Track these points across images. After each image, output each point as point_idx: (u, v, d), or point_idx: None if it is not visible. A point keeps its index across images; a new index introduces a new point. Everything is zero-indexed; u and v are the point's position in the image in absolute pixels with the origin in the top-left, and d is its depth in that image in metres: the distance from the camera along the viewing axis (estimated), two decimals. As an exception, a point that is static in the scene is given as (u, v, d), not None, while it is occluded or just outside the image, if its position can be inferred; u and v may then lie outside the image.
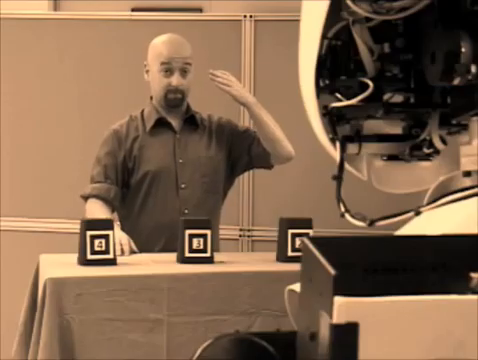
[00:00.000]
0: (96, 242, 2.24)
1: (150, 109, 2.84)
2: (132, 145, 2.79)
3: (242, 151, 2.84)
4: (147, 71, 2.81)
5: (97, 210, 2.70)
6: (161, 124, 2.82)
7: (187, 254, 2.34)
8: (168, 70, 2.73)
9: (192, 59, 2.78)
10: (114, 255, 2.27)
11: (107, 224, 2.29)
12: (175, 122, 2.83)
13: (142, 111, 2.86)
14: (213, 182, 2.81)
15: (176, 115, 2.83)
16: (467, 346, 0.99)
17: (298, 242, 2.37)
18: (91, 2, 4.20)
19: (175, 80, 2.73)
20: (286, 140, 2.80)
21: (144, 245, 2.66)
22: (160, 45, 2.78)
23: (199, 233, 2.35)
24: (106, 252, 2.25)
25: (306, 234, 2.33)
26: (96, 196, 2.73)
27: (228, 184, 2.91)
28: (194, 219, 2.45)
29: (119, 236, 2.50)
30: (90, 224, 2.27)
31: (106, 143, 2.82)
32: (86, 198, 2.76)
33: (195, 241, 2.34)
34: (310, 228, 2.41)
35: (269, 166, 2.88)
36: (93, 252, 2.24)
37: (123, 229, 2.74)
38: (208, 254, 2.35)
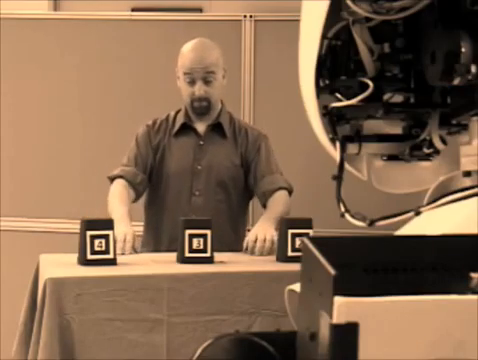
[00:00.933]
0: (96, 242, 2.24)
1: (182, 112, 2.85)
2: (158, 145, 2.82)
3: (257, 187, 2.80)
4: (178, 77, 2.81)
5: (118, 191, 2.72)
6: (187, 128, 2.83)
7: (187, 254, 2.34)
8: (191, 80, 2.74)
9: (216, 66, 2.76)
10: (114, 255, 2.27)
11: (107, 224, 2.29)
12: (201, 128, 2.83)
13: (177, 112, 2.88)
14: (228, 191, 2.80)
15: (204, 121, 2.83)
16: (467, 346, 0.99)
17: (298, 242, 2.37)
18: (91, 2, 4.20)
19: (197, 90, 2.74)
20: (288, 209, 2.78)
21: (153, 242, 2.77)
22: (185, 54, 2.78)
23: (199, 233, 2.35)
24: (106, 252, 2.25)
25: (306, 234, 2.33)
26: (122, 177, 2.76)
27: (248, 194, 2.88)
28: (194, 219, 2.45)
29: (125, 232, 2.49)
30: (90, 224, 2.27)
31: (139, 138, 2.84)
32: (112, 180, 2.78)
33: (195, 241, 2.34)
34: (310, 228, 2.41)
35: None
36: (93, 252, 2.24)
37: (147, 219, 2.85)
38: (208, 254, 2.35)
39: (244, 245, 2.57)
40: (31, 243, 3.75)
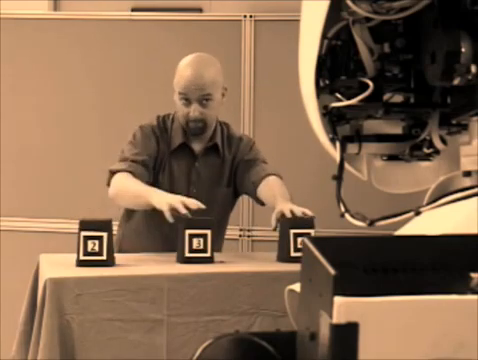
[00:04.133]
0: (89, 243, 2.21)
1: (177, 126, 2.71)
2: (157, 155, 2.68)
3: (245, 180, 2.72)
4: (175, 92, 2.67)
5: (127, 179, 2.54)
6: (184, 146, 2.70)
7: (187, 254, 2.34)
8: (186, 100, 2.60)
9: (213, 86, 2.59)
10: (107, 256, 2.22)
11: (102, 225, 2.24)
12: (198, 147, 2.72)
13: (172, 121, 2.73)
14: (221, 214, 2.74)
15: (200, 140, 2.71)
16: (467, 346, 0.99)
17: (300, 242, 2.37)
18: (91, 2, 4.20)
19: (193, 111, 2.59)
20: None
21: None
22: (180, 71, 2.61)
23: (199, 233, 2.35)
24: (99, 254, 2.21)
25: (308, 234, 2.34)
26: (131, 173, 2.56)
27: (234, 204, 2.84)
28: (194, 219, 2.44)
29: (171, 197, 2.40)
30: (84, 224, 2.23)
31: (145, 137, 2.67)
32: (114, 173, 2.59)
33: (195, 241, 2.34)
34: (312, 228, 2.41)
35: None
36: (86, 253, 2.21)
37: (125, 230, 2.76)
38: (208, 254, 2.35)
39: (273, 223, 2.43)
40: (31, 243, 3.75)
